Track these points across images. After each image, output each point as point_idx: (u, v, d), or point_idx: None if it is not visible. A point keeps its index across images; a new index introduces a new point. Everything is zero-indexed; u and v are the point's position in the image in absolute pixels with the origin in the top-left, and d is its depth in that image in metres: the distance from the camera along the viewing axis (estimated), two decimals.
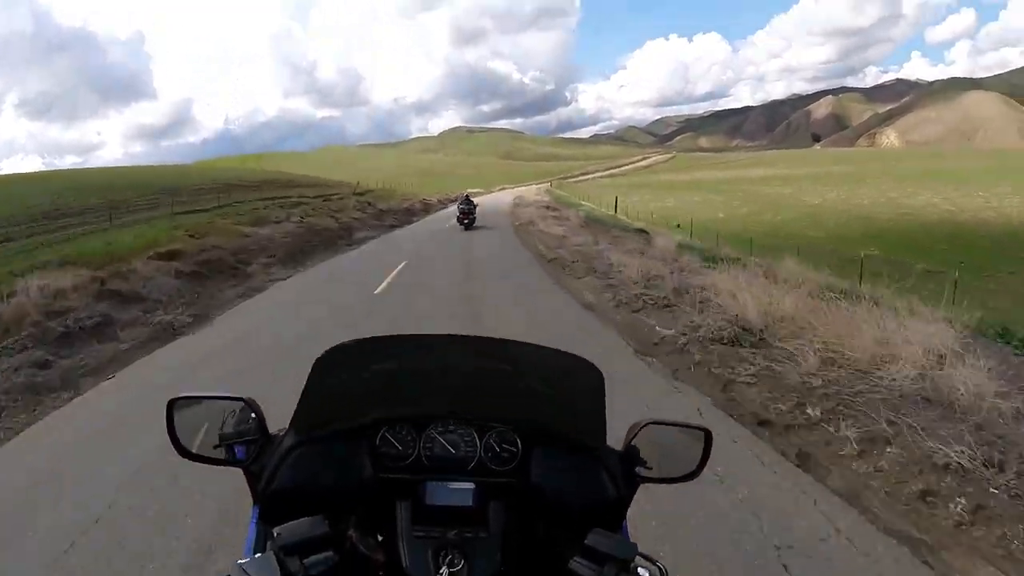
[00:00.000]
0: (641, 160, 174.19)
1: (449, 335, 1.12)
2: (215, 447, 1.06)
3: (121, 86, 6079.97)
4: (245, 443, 1.07)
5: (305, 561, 0.83)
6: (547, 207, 28.56)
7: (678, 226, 28.48)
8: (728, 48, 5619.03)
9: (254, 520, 1.07)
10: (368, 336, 1.09)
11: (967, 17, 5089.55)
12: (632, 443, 1.12)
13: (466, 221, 22.40)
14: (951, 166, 77.76)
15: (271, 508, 1.02)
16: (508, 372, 1.15)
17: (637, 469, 1.11)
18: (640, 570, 0.89)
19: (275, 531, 0.87)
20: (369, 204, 30.77)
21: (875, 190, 49.31)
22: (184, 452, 1.06)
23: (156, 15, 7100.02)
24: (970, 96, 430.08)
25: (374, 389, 1.13)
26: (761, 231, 29.89)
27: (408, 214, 31.37)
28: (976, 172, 62.56)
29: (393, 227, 25.52)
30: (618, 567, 0.87)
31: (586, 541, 0.90)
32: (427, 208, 37.92)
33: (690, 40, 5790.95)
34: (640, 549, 0.91)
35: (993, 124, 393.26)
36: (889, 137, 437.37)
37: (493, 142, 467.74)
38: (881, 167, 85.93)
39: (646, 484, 1.12)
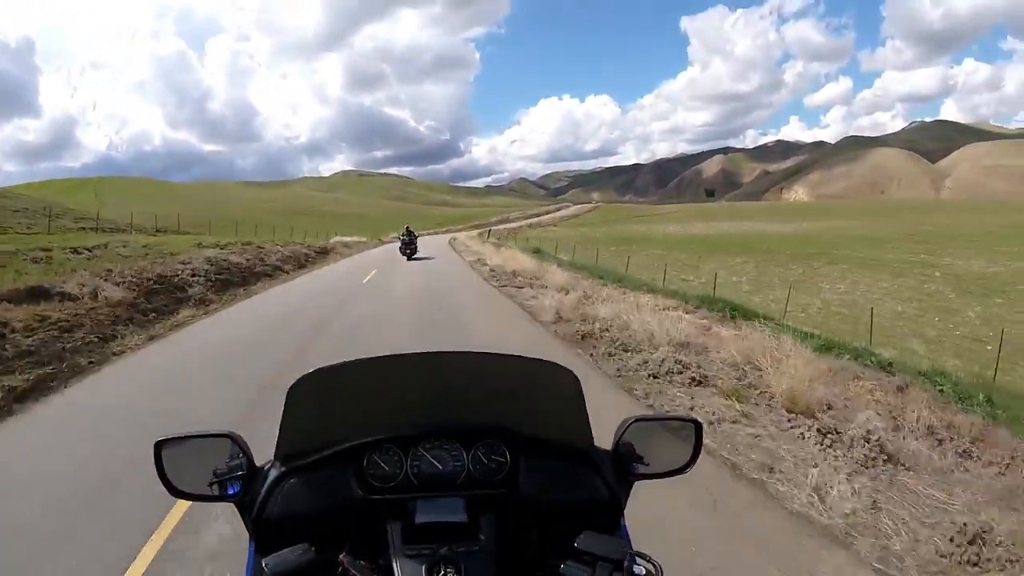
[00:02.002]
0: (562, 208, 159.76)
1: (419, 353, 1.14)
2: (209, 484, 1.05)
3: (3, 97, 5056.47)
4: (239, 478, 1.06)
5: None
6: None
7: None
8: (617, 109, 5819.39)
9: (251, 553, 1.06)
10: (336, 363, 1.11)
11: (843, 84, 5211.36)
12: (621, 441, 1.11)
13: (408, 252, 24.41)
14: None
15: (264, 539, 1.02)
16: (485, 383, 1.16)
17: (629, 466, 1.10)
18: (635, 568, 0.88)
19: (263, 562, 0.88)
20: None
21: None
22: (175, 492, 1.05)
23: (49, 24, 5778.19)
24: (877, 152, 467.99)
25: (355, 412, 1.13)
26: None
27: None
28: None
29: None
30: (611, 567, 0.87)
31: (576, 544, 0.90)
32: None
33: (582, 100, 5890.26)
34: (634, 547, 0.91)
35: (905, 178, 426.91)
36: (798, 192, 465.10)
37: (384, 186, 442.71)
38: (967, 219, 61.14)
39: (640, 481, 1.12)
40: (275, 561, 0.86)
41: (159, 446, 1.05)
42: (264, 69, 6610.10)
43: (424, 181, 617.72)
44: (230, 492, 1.04)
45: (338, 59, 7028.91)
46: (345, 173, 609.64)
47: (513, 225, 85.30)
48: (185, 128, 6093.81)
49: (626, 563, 0.88)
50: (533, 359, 1.14)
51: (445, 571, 0.90)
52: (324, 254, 27.92)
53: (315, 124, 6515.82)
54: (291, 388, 1.05)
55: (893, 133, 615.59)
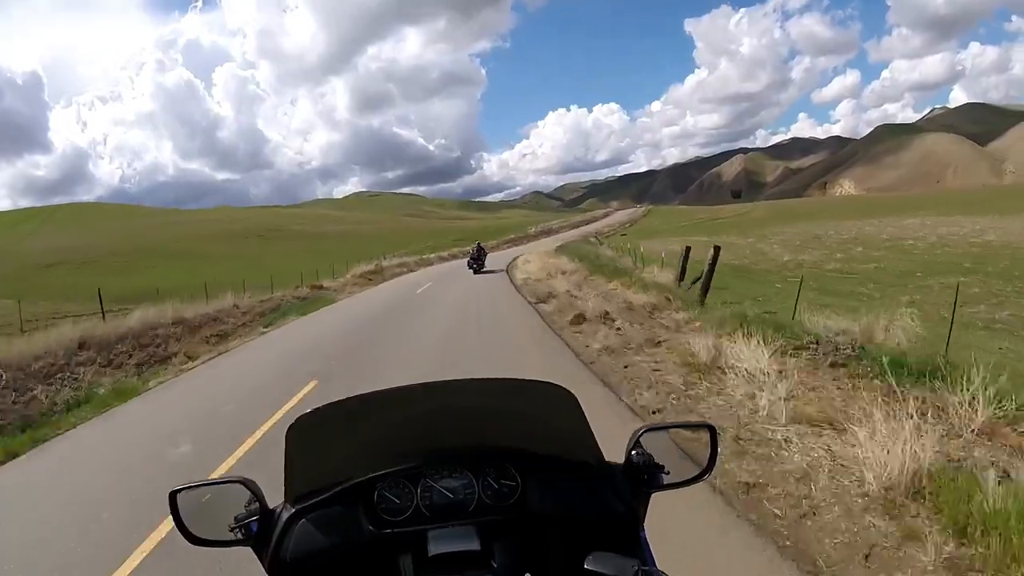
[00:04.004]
0: (610, 214, 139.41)
1: (418, 384, 1.15)
2: (231, 529, 1.04)
3: (14, 134, 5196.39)
4: (255, 522, 1.05)
5: None
6: None
7: None
8: (626, 117, 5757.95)
9: None
10: (335, 400, 1.10)
11: (851, 77, 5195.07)
12: (633, 452, 1.10)
13: (475, 266, 24.99)
14: None
15: None
16: (488, 408, 1.17)
17: (643, 478, 1.08)
18: None
19: None
20: None
21: None
22: (193, 539, 1.04)
23: (55, 60, 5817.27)
24: (925, 139, 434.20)
25: (360, 448, 1.13)
26: None
27: None
28: None
29: None
30: None
31: (585, 565, 0.89)
32: None
33: (590, 110, 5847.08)
34: (645, 563, 0.90)
35: (961, 164, 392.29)
36: (843, 187, 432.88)
37: (397, 205, 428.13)
38: None
39: (657, 492, 1.10)
40: None
41: (173, 496, 1.03)
42: (272, 96, 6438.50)
43: (437, 199, 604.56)
44: (247, 537, 1.03)
45: (344, 82, 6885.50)
46: (358, 194, 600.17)
47: (571, 234, 65.18)
48: (197, 158, 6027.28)
49: None
50: (529, 380, 1.14)
51: None
52: None
53: (326, 148, 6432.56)
54: (290, 428, 1.04)
55: (930, 118, 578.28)
